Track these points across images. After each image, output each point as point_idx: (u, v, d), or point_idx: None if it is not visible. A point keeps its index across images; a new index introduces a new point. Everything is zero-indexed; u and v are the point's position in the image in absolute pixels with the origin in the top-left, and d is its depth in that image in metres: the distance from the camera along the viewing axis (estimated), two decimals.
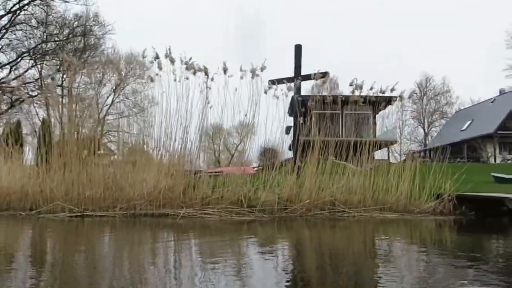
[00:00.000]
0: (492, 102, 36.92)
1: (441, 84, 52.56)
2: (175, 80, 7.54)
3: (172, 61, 7.38)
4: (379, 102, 10.64)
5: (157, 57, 7.37)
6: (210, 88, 8.08)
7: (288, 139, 13.13)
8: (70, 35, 19.58)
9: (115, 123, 19.50)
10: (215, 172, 9.46)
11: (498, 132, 30.69)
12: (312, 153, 8.56)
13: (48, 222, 6.20)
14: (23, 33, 19.38)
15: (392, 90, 9.62)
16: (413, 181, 8.38)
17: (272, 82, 9.87)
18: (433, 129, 55.25)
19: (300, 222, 6.67)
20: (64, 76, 17.89)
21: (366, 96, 10.00)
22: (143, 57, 7.64)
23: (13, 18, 18.97)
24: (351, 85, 9.49)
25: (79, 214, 6.59)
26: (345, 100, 9.78)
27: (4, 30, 18.78)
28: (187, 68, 7.54)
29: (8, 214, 6.89)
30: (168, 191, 7.06)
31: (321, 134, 9.13)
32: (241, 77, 8.24)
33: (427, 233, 5.93)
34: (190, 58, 7.60)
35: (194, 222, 6.37)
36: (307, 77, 10.51)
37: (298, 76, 10.59)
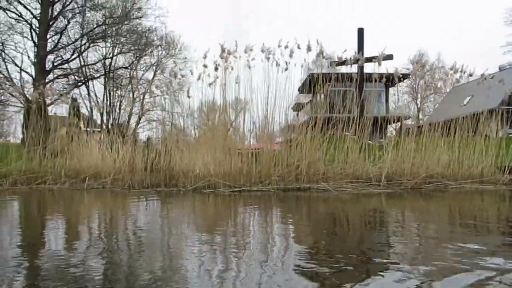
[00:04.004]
0: (491, 78, 38.39)
1: (436, 60, 54.14)
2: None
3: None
4: (393, 78, 11.25)
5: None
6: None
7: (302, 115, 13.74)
8: (126, 18, 19.94)
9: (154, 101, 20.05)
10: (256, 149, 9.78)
11: (501, 107, 32.34)
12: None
13: (226, 196, 6.99)
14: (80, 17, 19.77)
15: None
16: (496, 155, 9.52)
17: (335, 63, 10.59)
18: (425, 104, 57.17)
19: (432, 193, 7.62)
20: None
21: (389, 73, 10.70)
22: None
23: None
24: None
25: (238, 189, 7.44)
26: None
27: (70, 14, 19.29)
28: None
29: (176, 190, 7.70)
30: (307, 167, 7.97)
31: (341, 111, 9.73)
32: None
33: None
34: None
35: (340, 195, 7.26)
36: (370, 59, 11.28)
37: (361, 57, 11.26)
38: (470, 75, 9.86)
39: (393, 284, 2.03)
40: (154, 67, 21.56)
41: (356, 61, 11.09)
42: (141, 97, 19.96)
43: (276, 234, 3.62)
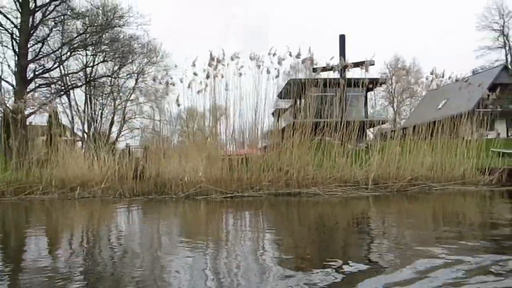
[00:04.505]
0: (465, 82, 39.54)
1: (411, 64, 55.40)
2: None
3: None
4: (373, 83, 11.49)
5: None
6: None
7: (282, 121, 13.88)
8: (108, 27, 19.82)
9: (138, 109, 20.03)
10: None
11: (477, 109, 33.34)
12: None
13: (218, 203, 7.07)
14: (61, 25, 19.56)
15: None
16: (476, 157, 9.86)
17: (321, 69, 10.78)
18: (402, 108, 58.40)
19: (416, 195, 7.88)
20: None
21: (376, 78, 10.90)
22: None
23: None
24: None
25: (230, 195, 7.53)
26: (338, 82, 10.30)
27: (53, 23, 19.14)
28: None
29: (168, 198, 7.73)
30: (296, 172, 8.12)
31: (328, 116, 9.91)
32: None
33: None
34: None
35: (331, 198, 7.43)
36: (357, 65, 11.51)
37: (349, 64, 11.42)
38: (457, 80, 10.21)
39: None
40: (135, 75, 21.61)
41: (344, 67, 11.32)
42: (123, 105, 19.90)
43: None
